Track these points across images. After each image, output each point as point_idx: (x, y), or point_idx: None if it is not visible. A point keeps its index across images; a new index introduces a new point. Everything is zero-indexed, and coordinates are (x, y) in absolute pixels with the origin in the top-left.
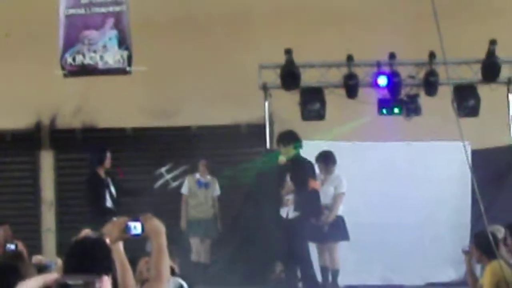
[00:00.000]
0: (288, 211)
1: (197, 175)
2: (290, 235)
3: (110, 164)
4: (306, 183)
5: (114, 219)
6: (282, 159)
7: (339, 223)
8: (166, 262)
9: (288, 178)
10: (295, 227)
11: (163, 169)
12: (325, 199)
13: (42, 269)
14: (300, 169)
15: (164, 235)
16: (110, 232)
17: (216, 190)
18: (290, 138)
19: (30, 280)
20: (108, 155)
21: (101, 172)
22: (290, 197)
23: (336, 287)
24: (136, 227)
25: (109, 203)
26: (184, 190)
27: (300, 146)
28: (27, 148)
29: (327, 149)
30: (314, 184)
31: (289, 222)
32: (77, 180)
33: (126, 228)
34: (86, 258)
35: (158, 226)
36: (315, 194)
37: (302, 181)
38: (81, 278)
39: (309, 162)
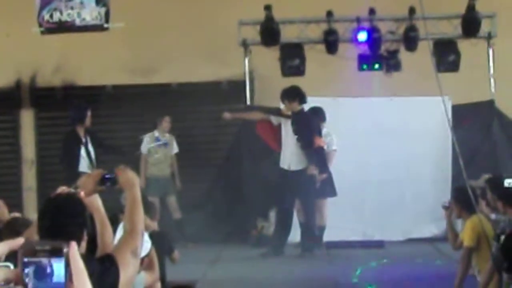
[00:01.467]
0: (290, 164)
1: (156, 133)
2: (296, 187)
3: (91, 122)
4: (312, 140)
5: (89, 171)
6: (287, 111)
7: (329, 179)
8: (141, 214)
9: (291, 132)
10: (300, 179)
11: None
12: None
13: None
14: (305, 124)
15: (138, 186)
16: (84, 185)
17: (174, 148)
18: (295, 94)
19: None
20: (89, 113)
21: (81, 131)
22: (290, 151)
23: (322, 243)
24: (111, 179)
25: (84, 165)
26: (143, 148)
27: (305, 101)
28: (7, 107)
29: (317, 105)
30: (320, 141)
31: (293, 174)
32: (58, 138)
33: (101, 180)
34: (60, 215)
35: (132, 177)
36: (321, 151)
37: (307, 137)
38: (48, 243)
39: (315, 119)
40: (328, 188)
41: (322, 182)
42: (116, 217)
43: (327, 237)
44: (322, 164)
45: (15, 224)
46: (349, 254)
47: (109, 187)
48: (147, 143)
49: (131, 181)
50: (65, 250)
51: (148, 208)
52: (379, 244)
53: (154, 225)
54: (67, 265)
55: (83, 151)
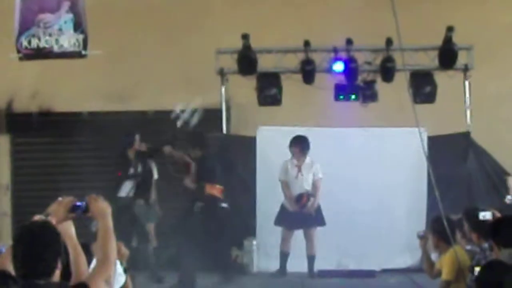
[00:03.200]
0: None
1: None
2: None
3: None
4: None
5: (59, 198)
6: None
7: (318, 208)
8: (113, 244)
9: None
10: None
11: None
12: (306, 185)
13: None
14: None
15: (109, 216)
16: (55, 212)
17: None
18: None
19: None
20: (137, 137)
21: (131, 154)
22: None
23: (313, 273)
24: (80, 207)
25: (126, 190)
26: None
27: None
28: None
29: (302, 134)
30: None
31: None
32: (34, 164)
33: (72, 208)
34: (35, 244)
35: (104, 207)
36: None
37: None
38: None
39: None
40: (318, 217)
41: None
42: (86, 245)
43: (301, 267)
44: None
45: None
46: (324, 284)
47: (79, 214)
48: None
49: (103, 210)
50: None
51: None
52: (370, 274)
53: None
54: None
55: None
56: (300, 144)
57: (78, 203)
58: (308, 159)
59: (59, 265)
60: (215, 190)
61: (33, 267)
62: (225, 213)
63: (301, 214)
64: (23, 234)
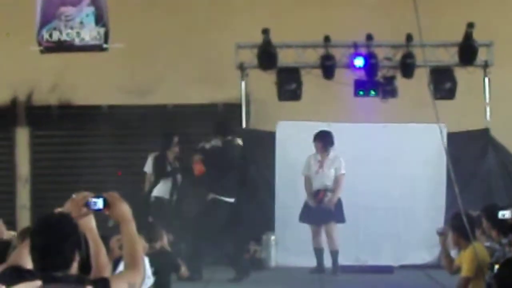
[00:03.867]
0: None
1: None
2: None
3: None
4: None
5: (73, 196)
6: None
7: (338, 205)
8: (140, 250)
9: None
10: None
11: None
12: (326, 180)
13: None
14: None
15: (132, 222)
16: (69, 209)
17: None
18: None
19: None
20: (176, 139)
21: (170, 156)
22: None
23: (337, 268)
24: (97, 203)
25: (161, 190)
26: (147, 168)
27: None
28: (3, 125)
29: (329, 129)
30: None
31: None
32: (53, 156)
33: (87, 204)
34: (53, 235)
35: (126, 212)
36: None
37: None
38: (65, 286)
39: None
40: (337, 213)
41: (331, 207)
42: (106, 238)
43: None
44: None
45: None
46: (342, 279)
47: (95, 211)
48: (151, 162)
49: (126, 216)
50: None
51: (150, 231)
52: (389, 270)
53: (165, 244)
54: None
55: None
56: (323, 140)
57: (94, 200)
58: (332, 155)
59: (77, 257)
60: (198, 166)
61: (51, 260)
62: (229, 208)
63: (322, 210)
64: (41, 226)
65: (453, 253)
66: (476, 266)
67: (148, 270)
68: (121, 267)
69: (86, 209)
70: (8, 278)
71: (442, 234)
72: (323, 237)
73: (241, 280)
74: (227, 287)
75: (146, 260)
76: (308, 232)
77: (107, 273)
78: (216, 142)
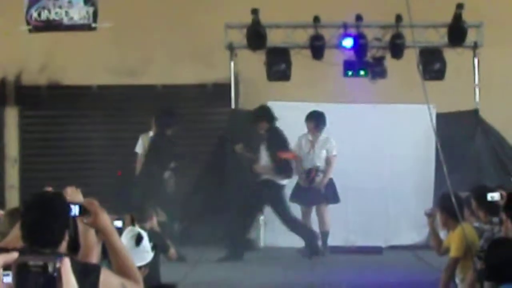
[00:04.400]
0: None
1: (150, 133)
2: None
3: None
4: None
5: (68, 188)
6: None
7: (331, 185)
8: (131, 261)
9: (263, 147)
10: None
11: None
12: (317, 161)
13: None
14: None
15: (116, 233)
16: None
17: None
18: (261, 116)
19: None
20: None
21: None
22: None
23: (326, 249)
24: (73, 209)
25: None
26: (138, 149)
27: (272, 120)
28: None
29: (318, 109)
30: (285, 154)
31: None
32: (42, 137)
33: None
34: (44, 213)
35: (108, 224)
36: (286, 162)
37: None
38: (41, 258)
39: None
40: (330, 194)
41: (324, 188)
42: None
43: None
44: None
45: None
46: (331, 260)
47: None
48: (142, 143)
49: (109, 227)
50: (57, 265)
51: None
52: (378, 250)
53: (154, 225)
54: (59, 281)
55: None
56: (315, 120)
57: (71, 205)
58: (323, 136)
59: (66, 237)
60: (289, 155)
61: (40, 236)
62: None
63: (313, 191)
64: (33, 203)
65: (442, 234)
66: (464, 246)
67: (148, 245)
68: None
69: None
70: None
71: (430, 215)
72: (313, 218)
73: (231, 260)
74: (216, 267)
75: (145, 235)
76: (297, 213)
77: (95, 253)
78: (263, 126)
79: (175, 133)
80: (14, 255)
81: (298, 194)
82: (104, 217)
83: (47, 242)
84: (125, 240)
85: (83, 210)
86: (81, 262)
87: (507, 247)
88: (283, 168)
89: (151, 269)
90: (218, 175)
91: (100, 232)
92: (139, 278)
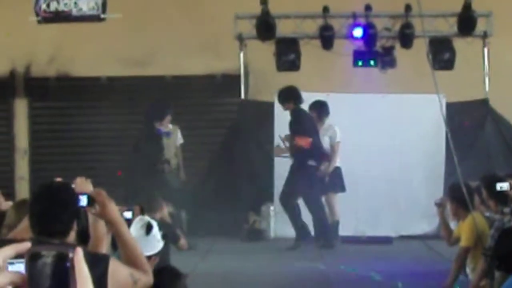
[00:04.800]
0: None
1: (157, 125)
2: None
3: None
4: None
5: (78, 179)
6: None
7: (337, 174)
8: (139, 250)
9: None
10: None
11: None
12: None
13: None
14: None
15: (124, 223)
16: None
17: (179, 138)
18: (289, 95)
19: (3, 249)
20: (169, 113)
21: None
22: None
23: (337, 239)
24: (82, 200)
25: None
26: None
27: (300, 102)
28: (1, 96)
29: (328, 99)
30: (301, 141)
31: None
32: (51, 128)
33: None
34: (52, 204)
35: (116, 215)
36: (300, 151)
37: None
38: (53, 248)
39: (305, 119)
40: (337, 183)
41: (331, 176)
42: None
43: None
44: (300, 164)
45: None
46: (339, 249)
47: (81, 207)
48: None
49: (117, 217)
50: (70, 255)
51: (150, 201)
52: (388, 240)
53: (165, 215)
54: (72, 271)
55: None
56: (318, 109)
57: (79, 196)
58: (326, 124)
59: (75, 226)
60: (304, 141)
61: (49, 226)
62: (313, 170)
63: (320, 180)
64: (42, 192)
65: (452, 225)
66: (475, 236)
67: (158, 234)
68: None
69: None
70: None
71: (440, 205)
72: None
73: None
74: (226, 258)
75: (155, 224)
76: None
77: (104, 244)
78: (288, 106)
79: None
80: (27, 244)
81: None
82: (112, 208)
83: (55, 232)
84: (135, 229)
85: (92, 201)
86: (90, 252)
87: None
88: (297, 155)
89: (161, 259)
90: (228, 166)
91: (108, 222)
92: (147, 268)
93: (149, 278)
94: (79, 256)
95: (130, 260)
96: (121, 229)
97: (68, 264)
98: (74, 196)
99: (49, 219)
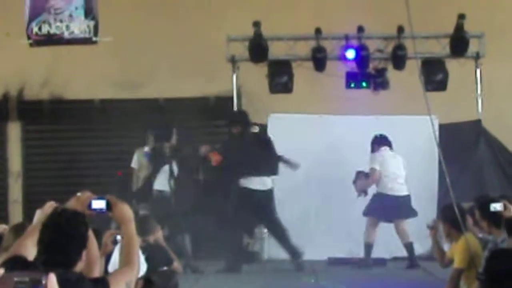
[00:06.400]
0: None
1: (146, 148)
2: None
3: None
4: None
5: (78, 194)
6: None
7: (406, 200)
8: (137, 249)
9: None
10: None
11: None
12: None
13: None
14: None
15: (133, 222)
16: (73, 208)
17: (176, 169)
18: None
19: None
20: (174, 131)
21: (166, 149)
22: None
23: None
24: (99, 205)
25: (161, 183)
26: (134, 164)
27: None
28: None
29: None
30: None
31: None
32: (45, 151)
33: (89, 205)
34: (62, 234)
35: (128, 213)
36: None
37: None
38: (27, 275)
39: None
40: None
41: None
42: (98, 231)
43: (312, 255)
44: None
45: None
46: (336, 271)
47: (97, 212)
48: (137, 157)
49: (127, 216)
50: (43, 282)
51: (144, 224)
52: (381, 262)
53: (159, 238)
54: None
55: (166, 168)
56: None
57: (97, 201)
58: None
59: (83, 257)
60: (214, 156)
61: (55, 257)
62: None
63: (399, 204)
64: (53, 221)
65: (446, 247)
66: (468, 257)
67: (141, 257)
68: (113, 259)
69: (89, 210)
70: (11, 266)
71: (432, 227)
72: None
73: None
74: (220, 279)
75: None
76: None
77: (97, 267)
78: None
79: (173, 147)
80: (1, 270)
81: (378, 207)
82: (124, 207)
83: (61, 263)
84: (116, 255)
85: (110, 205)
86: (91, 279)
87: (507, 258)
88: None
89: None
90: (221, 187)
91: (121, 221)
92: (137, 266)
93: (135, 272)
94: (51, 282)
95: (126, 252)
96: (130, 227)
97: None
98: (84, 227)
99: (56, 250)
